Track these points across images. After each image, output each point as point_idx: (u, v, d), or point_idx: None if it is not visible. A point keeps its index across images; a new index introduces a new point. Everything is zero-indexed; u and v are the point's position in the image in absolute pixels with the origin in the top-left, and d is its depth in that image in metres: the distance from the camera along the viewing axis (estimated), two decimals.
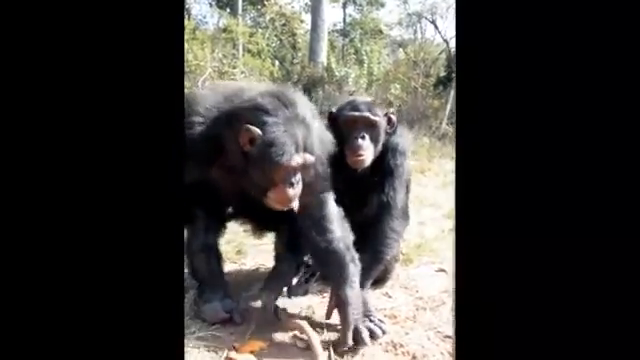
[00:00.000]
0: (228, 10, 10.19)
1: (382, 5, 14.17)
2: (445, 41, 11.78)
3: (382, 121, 1.74)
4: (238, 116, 1.34)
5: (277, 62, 8.63)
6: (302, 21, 10.15)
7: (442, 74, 11.61)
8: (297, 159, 1.32)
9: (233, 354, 1.35)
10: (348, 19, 14.04)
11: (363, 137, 1.69)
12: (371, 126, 1.71)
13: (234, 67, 6.86)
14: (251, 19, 11.48)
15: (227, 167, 1.42)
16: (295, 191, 1.35)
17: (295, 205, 1.38)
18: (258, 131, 1.30)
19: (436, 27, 12.37)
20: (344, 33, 13.69)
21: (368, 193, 1.77)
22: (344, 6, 13.85)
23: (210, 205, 1.59)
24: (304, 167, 1.35)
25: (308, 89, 7.79)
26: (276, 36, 9.65)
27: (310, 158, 1.35)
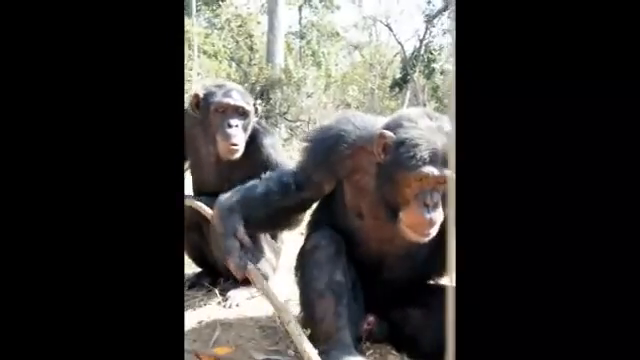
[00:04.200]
0: None
1: (337, 8, 14.31)
2: (399, 43, 12.06)
3: (253, 110, 1.70)
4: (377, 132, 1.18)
5: (234, 64, 8.54)
6: (259, 22, 10.07)
7: (397, 76, 11.89)
8: (433, 169, 1.08)
9: None
10: (304, 21, 14.09)
11: (237, 125, 1.62)
12: (244, 114, 1.65)
13: (190, 68, 6.73)
14: (206, 20, 11.30)
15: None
16: (432, 215, 1.09)
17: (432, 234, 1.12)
18: (392, 135, 1.14)
19: (391, 30, 12.60)
20: (301, 35, 13.72)
21: None
22: (300, 8, 13.88)
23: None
24: (441, 183, 1.09)
25: (266, 91, 7.74)
26: (232, 37, 9.54)
27: (450, 175, 1.06)
